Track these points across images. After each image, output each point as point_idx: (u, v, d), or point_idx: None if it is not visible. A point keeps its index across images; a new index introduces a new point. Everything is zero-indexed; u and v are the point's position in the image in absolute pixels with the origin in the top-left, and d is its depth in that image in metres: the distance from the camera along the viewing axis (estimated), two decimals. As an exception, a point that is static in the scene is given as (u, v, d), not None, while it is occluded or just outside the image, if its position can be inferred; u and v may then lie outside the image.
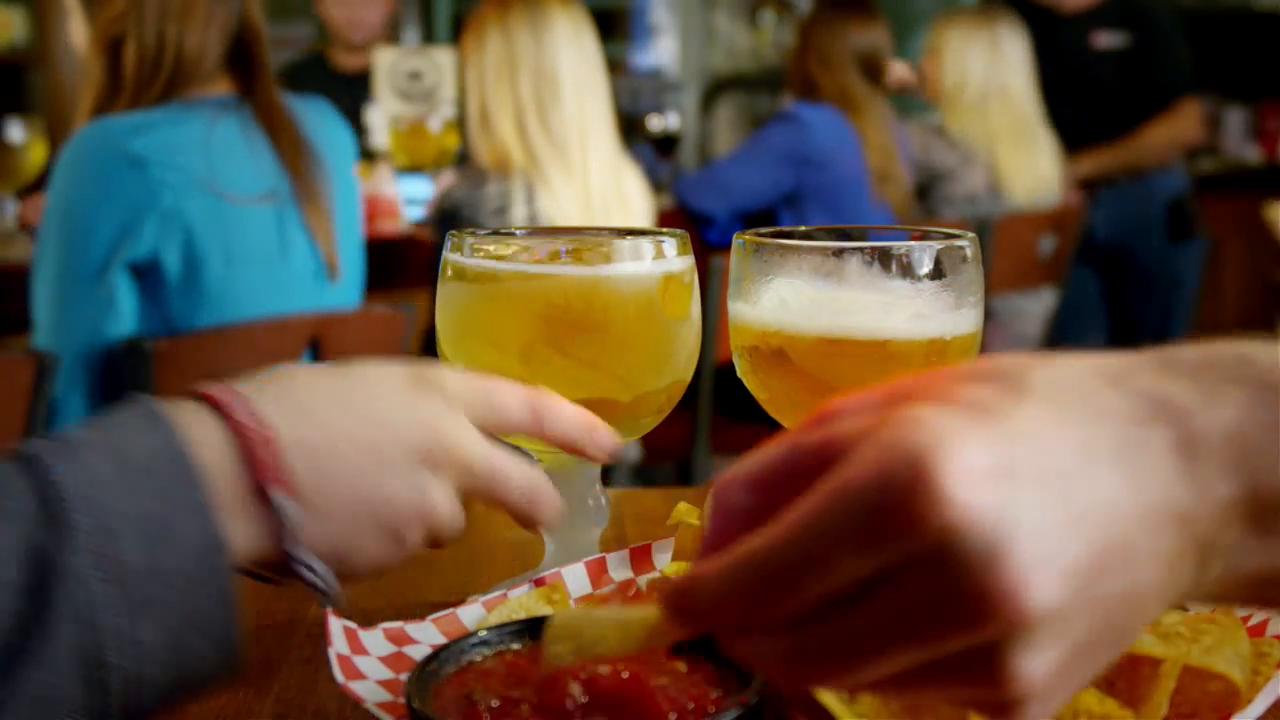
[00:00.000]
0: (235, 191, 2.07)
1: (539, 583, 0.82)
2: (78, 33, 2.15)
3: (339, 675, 0.68)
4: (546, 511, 0.73)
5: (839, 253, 0.88)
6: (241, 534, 0.63)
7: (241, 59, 2.14)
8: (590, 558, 0.84)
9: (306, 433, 0.65)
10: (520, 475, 0.71)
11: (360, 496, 0.65)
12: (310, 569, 0.64)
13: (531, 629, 0.67)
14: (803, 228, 0.97)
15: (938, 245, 0.89)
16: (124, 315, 2.03)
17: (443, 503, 0.68)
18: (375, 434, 0.66)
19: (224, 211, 2.05)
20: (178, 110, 2.06)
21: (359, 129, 3.91)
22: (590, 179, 2.68)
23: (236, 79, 2.15)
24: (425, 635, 0.76)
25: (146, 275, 2.04)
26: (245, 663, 0.63)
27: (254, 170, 2.11)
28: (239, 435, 0.63)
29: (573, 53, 2.67)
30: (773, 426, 0.98)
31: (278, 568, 0.65)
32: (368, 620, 0.75)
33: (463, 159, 3.63)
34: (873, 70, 3.55)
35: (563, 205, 2.63)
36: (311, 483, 0.64)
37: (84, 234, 1.99)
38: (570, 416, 0.76)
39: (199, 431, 0.63)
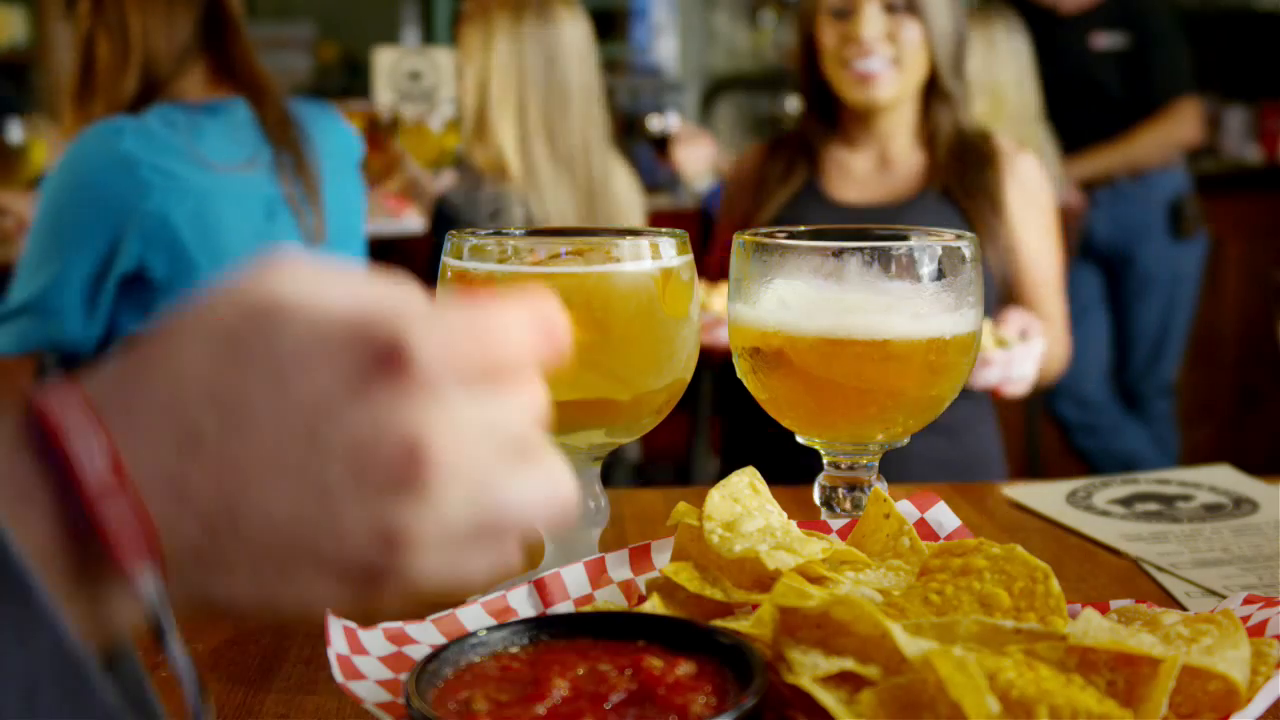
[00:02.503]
0: (218, 160, 2.07)
1: (538, 584, 0.82)
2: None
3: (338, 675, 0.68)
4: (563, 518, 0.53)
5: (839, 253, 0.88)
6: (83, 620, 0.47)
7: (216, 41, 2.14)
8: (589, 558, 0.84)
9: (197, 472, 0.46)
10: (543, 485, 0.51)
11: (289, 541, 0.47)
12: (175, 664, 0.47)
13: (531, 629, 0.67)
14: (802, 227, 0.97)
15: (938, 246, 0.89)
16: (100, 321, 2.05)
17: (433, 532, 0.48)
18: (307, 455, 0.46)
19: (208, 210, 2.05)
20: (170, 112, 2.06)
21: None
22: (593, 187, 2.67)
23: (214, 59, 2.15)
24: (425, 635, 0.76)
25: (134, 283, 2.05)
26: None
27: (235, 143, 2.11)
28: (84, 503, 0.45)
29: (581, 68, 2.65)
30: (773, 426, 0.98)
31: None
32: (368, 620, 0.75)
33: (459, 160, 3.63)
34: None
35: (562, 211, 2.62)
36: (204, 533, 0.46)
37: (74, 235, 2.00)
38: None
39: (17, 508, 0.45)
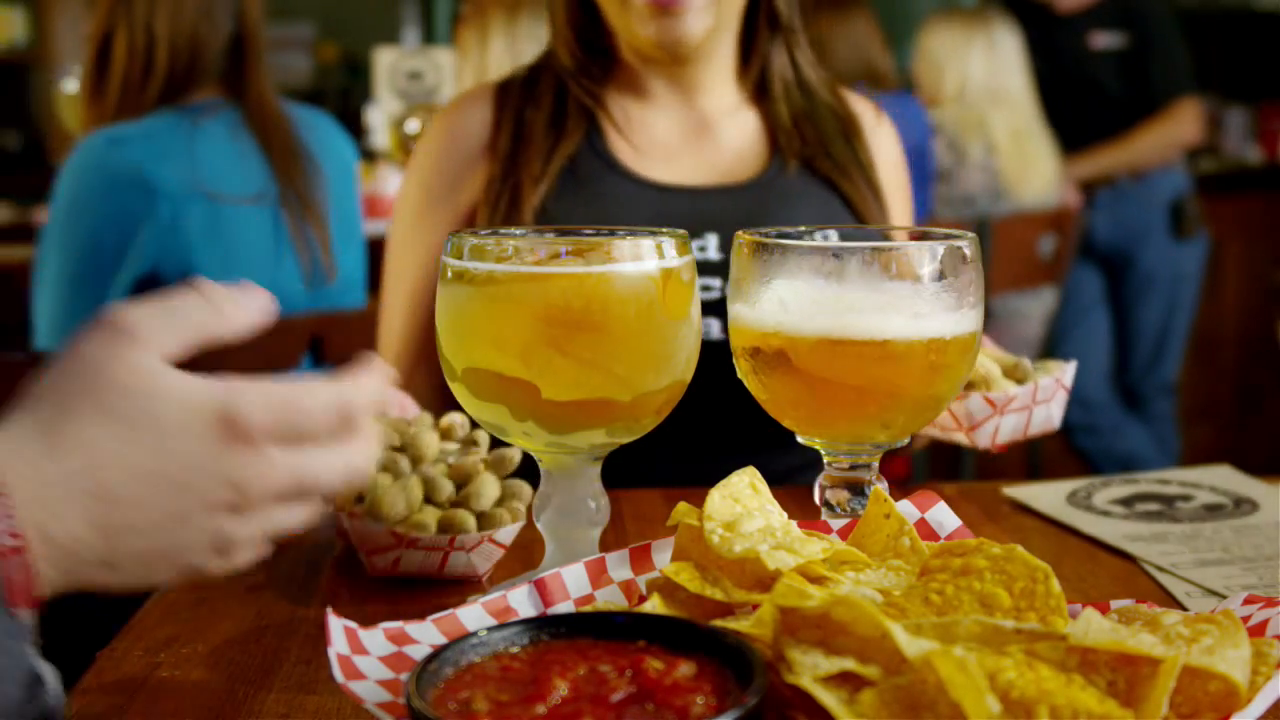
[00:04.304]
0: (225, 190, 2.05)
1: (539, 584, 0.82)
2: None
3: (339, 675, 0.68)
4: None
5: (839, 253, 0.88)
6: None
7: (236, 57, 2.12)
8: (590, 558, 0.84)
9: (95, 509, 0.65)
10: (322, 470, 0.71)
11: (157, 554, 0.68)
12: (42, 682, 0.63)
13: (531, 629, 0.67)
14: (802, 227, 0.97)
15: (938, 246, 0.89)
16: None
17: (245, 539, 0.70)
18: (172, 499, 0.67)
19: (220, 217, 2.05)
20: (171, 117, 2.05)
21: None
22: None
23: (229, 79, 2.13)
24: (425, 635, 0.76)
25: (145, 288, 2.04)
26: None
27: (241, 172, 2.09)
28: None
29: None
30: (773, 427, 0.98)
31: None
32: (368, 620, 0.75)
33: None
34: (871, 71, 3.51)
35: None
36: (100, 566, 0.67)
37: (86, 243, 1.99)
38: (370, 392, 0.73)
39: None
